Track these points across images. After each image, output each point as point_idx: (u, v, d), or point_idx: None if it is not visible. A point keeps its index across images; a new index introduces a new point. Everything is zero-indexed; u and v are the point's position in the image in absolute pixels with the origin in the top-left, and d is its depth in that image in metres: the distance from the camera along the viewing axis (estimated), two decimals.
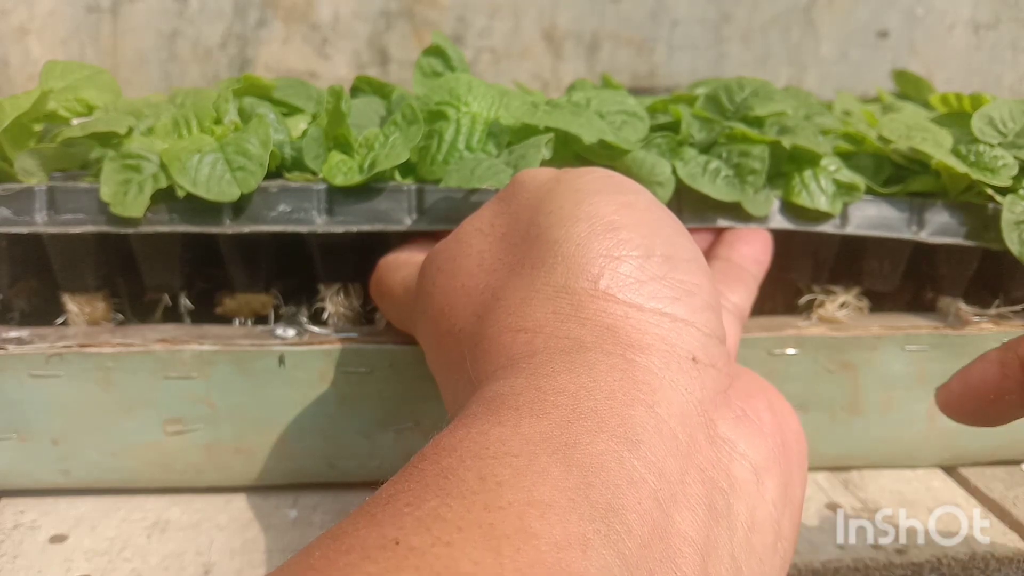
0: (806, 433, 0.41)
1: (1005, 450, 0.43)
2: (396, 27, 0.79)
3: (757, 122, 0.41)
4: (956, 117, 0.45)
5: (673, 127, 0.41)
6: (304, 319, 0.39)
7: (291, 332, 0.37)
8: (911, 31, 0.85)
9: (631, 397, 0.22)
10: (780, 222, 0.39)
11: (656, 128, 0.41)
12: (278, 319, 0.40)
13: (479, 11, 0.80)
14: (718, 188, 0.37)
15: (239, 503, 0.38)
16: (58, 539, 0.35)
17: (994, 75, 0.87)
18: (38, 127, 0.38)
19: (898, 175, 0.41)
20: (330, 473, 0.39)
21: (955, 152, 0.40)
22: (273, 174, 0.38)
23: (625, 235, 0.26)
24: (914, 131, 0.40)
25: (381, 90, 0.49)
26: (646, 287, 0.25)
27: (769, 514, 0.24)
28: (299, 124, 0.43)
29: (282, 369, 0.37)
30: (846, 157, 0.42)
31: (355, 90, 0.49)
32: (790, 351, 0.39)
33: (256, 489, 0.39)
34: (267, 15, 0.78)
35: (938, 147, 0.39)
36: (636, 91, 0.76)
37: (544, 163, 0.37)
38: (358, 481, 0.39)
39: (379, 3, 0.78)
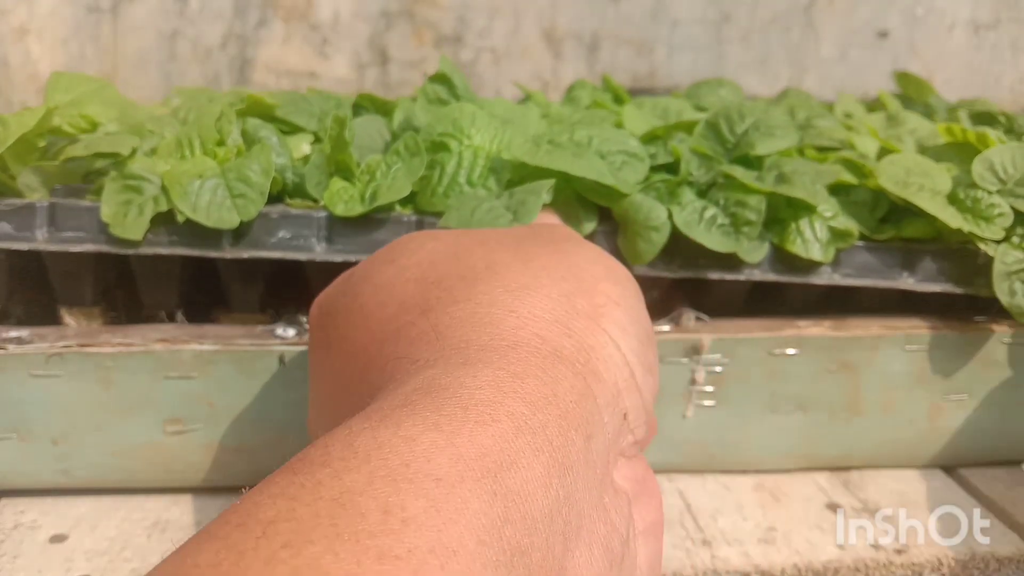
0: (806, 433, 0.41)
1: (1005, 450, 0.43)
2: (396, 27, 0.79)
3: (757, 162, 0.41)
4: (960, 148, 0.45)
5: (672, 168, 0.41)
6: (304, 319, 0.39)
7: (291, 332, 0.37)
8: (911, 31, 0.85)
9: (579, 422, 0.22)
10: (766, 271, 0.39)
11: (656, 168, 0.41)
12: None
13: (479, 11, 0.79)
14: (713, 239, 0.38)
15: None
16: (58, 539, 0.35)
17: (994, 75, 0.87)
18: (42, 142, 0.38)
19: (895, 212, 0.41)
20: None
21: (953, 196, 0.40)
22: (274, 198, 0.38)
23: (630, 294, 0.28)
24: (912, 176, 0.40)
25: (383, 107, 0.49)
26: (628, 338, 0.27)
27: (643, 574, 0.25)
28: (301, 144, 0.43)
29: (282, 369, 0.37)
30: (845, 191, 0.42)
31: (356, 107, 0.49)
32: (790, 351, 0.39)
33: None
34: (267, 15, 0.78)
35: (934, 198, 0.39)
36: (636, 91, 0.76)
37: (544, 204, 0.37)
38: None
39: (379, 3, 0.78)
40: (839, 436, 0.41)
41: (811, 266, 0.39)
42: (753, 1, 0.82)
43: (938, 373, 0.40)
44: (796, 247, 0.38)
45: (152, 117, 0.42)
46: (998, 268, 0.38)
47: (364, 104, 0.49)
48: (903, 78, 0.72)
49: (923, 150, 0.49)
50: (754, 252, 0.38)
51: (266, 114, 0.44)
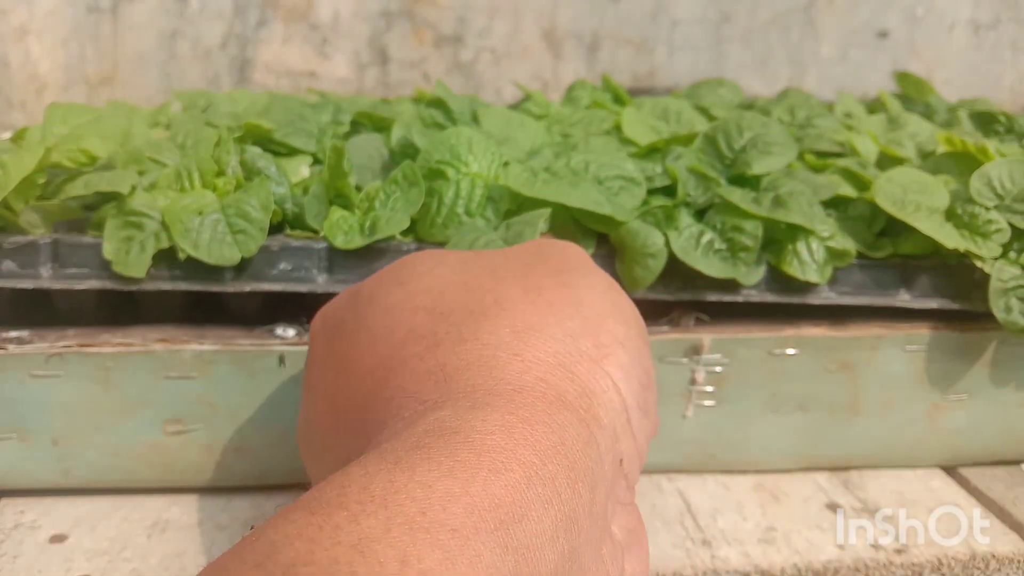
0: (806, 433, 0.41)
1: (1005, 450, 0.43)
2: (396, 27, 0.79)
3: (754, 181, 0.41)
4: (960, 158, 0.45)
5: (670, 190, 0.41)
6: (304, 318, 0.39)
7: (291, 332, 0.37)
8: (911, 31, 0.85)
9: (584, 472, 0.22)
10: (763, 292, 0.39)
11: (654, 191, 0.41)
12: None
13: (479, 11, 0.79)
14: (711, 265, 0.38)
15: (239, 503, 0.38)
16: (58, 539, 0.35)
17: (994, 75, 0.87)
18: (42, 179, 0.38)
19: (893, 225, 0.41)
20: None
21: (950, 211, 0.40)
22: (275, 227, 0.38)
23: (635, 334, 0.28)
24: (910, 194, 0.40)
25: (380, 123, 0.49)
26: (630, 381, 0.26)
27: None
28: (300, 167, 0.43)
29: (282, 369, 0.37)
30: (843, 204, 0.42)
31: (354, 124, 0.49)
32: (790, 351, 0.39)
33: (256, 489, 0.39)
34: (267, 15, 0.78)
35: (931, 216, 0.39)
36: (636, 91, 0.76)
37: (541, 232, 0.37)
38: None
39: (379, 3, 0.78)
40: (839, 436, 0.41)
41: (808, 285, 0.39)
42: (753, 1, 0.82)
43: (938, 373, 0.40)
44: (793, 269, 0.38)
45: (150, 143, 0.41)
46: (994, 285, 0.38)
47: (362, 121, 0.50)
48: (903, 78, 0.72)
49: (924, 155, 0.49)
50: (751, 275, 0.39)
51: (264, 138, 0.44)
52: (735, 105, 0.67)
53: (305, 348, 0.37)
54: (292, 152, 0.45)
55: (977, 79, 0.87)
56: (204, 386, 0.37)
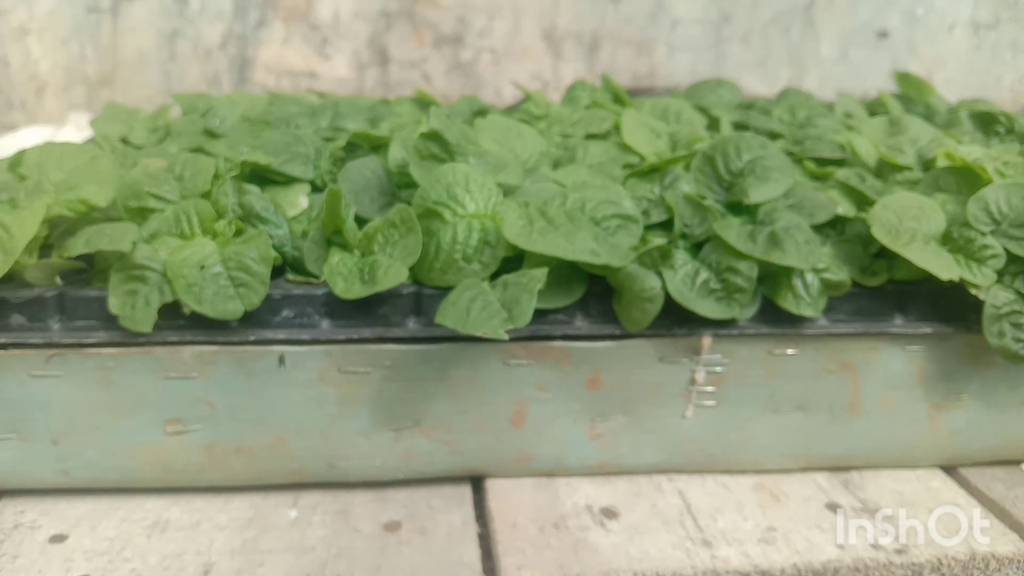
0: (806, 433, 0.41)
1: (1005, 450, 0.43)
2: (396, 27, 0.79)
3: (750, 210, 0.42)
4: (959, 173, 0.45)
5: (668, 224, 0.41)
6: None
7: None
8: (911, 31, 0.85)
9: None
10: (759, 325, 0.39)
11: (651, 227, 0.41)
12: None
13: (479, 11, 0.80)
14: (706, 306, 0.38)
15: (239, 503, 0.38)
16: (58, 539, 0.35)
17: (994, 75, 0.87)
18: (43, 232, 0.38)
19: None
20: (330, 473, 0.39)
21: (946, 235, 0.40)
22: (275, 270, 0.38)
23: None
24: (905, 220, 0.40)
25: (376, 142, 0.49)
26: None
27: None
28: (298, 198, 0.43)
29: (282, 369, 0.37)
30: (840, 225, 0.42)
31: (350, 146, 0.49)
32: (790, 351, 0.39)
33: (256, 489, 0.39)
34: (267, 15, 0.78)
35: (926, 246, 0.39)
36: (636, 91, 0.76)
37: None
38: (358, 481, 0.39)
39: (379, 3, 0.78)
40: (839, 436, 0.41)
41: (801, 318, 0.39)
42: (753, 1, 0.82)
43: (938, 373, 0.40)
44: (787, 303, 0.38)
45: (148, 175, 0.41)
46: (988, 310, 0.38)
47: (359, 142, 0.50)
48: (903, 78, 0.72)
49: (924, 163, 0.49)
50: (746, 312, 0.39)
51: (263, 170, 0.45)
52: (735, 105, 0.67)
53: (304, 348, 0.37)
54: (289, 181, 0.45)
55: (977, 79, 0.87)
56: (204, 386, 0.37)
